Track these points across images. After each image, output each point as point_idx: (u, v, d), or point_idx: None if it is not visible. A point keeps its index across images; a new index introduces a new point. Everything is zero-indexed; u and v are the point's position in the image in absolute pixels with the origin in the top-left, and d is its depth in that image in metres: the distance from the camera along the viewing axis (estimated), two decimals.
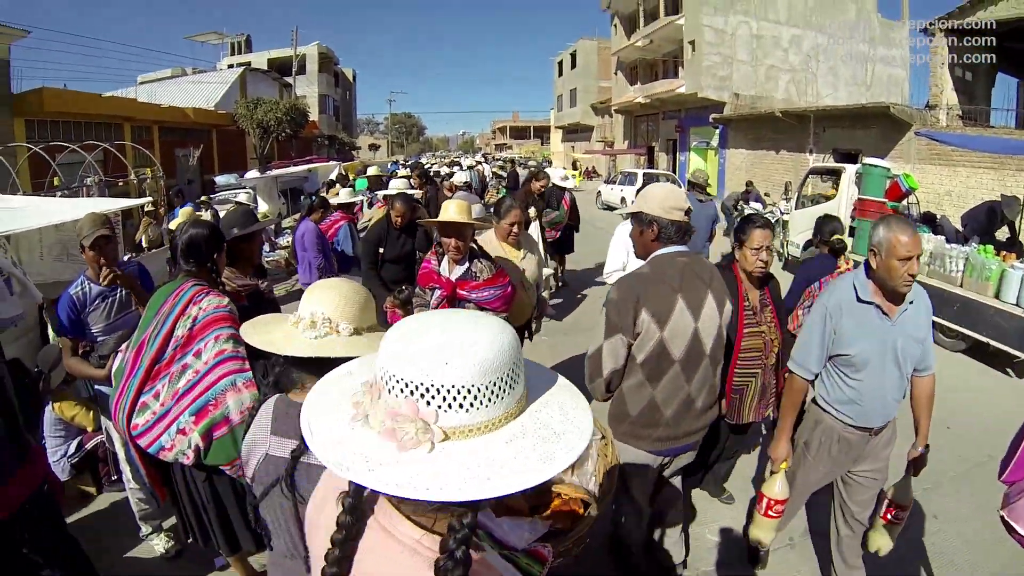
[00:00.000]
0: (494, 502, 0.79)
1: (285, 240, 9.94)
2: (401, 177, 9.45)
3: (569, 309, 7.42)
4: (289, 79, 31.93)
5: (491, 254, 3.25)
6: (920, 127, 13.07)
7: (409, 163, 21.89)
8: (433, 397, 0.68)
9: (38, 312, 4.11)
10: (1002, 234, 8.20)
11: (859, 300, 2.22)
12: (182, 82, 29.67)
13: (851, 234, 8.29)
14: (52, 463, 3.29)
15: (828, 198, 9.87)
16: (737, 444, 3.38)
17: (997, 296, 5.62)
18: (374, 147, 64.44)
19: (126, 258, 5.54)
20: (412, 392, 0.68)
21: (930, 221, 8.88)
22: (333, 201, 6.43)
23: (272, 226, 10.54)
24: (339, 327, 1.35)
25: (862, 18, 23.73)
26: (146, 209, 9.48)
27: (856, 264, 3.67)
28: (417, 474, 0.65)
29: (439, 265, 3.12)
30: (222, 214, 4.65)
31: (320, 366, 1.31)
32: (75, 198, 8.83)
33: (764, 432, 3.94)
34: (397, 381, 0.69)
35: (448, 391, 0.68)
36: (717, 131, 22.23)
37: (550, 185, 7.11)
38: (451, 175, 11.33)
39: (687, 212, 2.20)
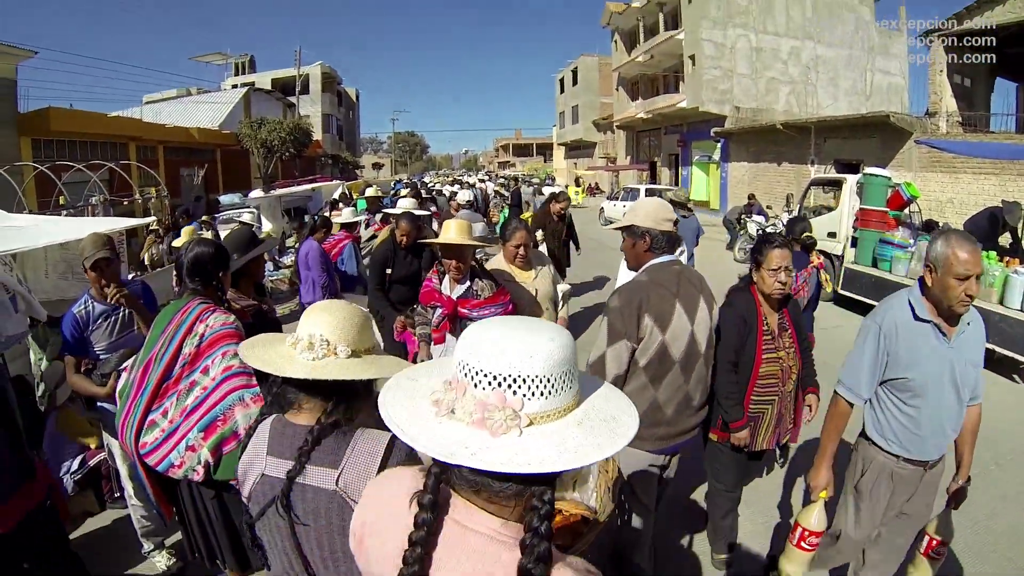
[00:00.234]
0: None
1: (289, 259, 9.97)
2: (405, 197, 9.52)
3: (574, 327, 7.37)
4: (292, 99, 32.29)
5: (505, 277, 3.27)
6: (920, 135, 13.12)
7: (409, 182, 22.04)
8: (520, 387, 0.78)
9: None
10: (1004, 240, 8.20)
11: (916, 318, 2.07)
12: (187, 102, 30.03)
13: (853, 244, 8.31)
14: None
15: (830, 209, 9.88)
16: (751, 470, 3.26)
17: (1001, 302, 5.61)
18: (378, 166, 64.84)
19: (130, 277, 5.59)
20: (500, 384, 0.78)
21: (932, 229, 8.87)
22: (336, 220, 6.44)
23: (275, 246, 10.59)
24: (337, 349, 1.35)
25: (860, 28, 23.93)
26: (150, 228, 9.57)
27: (825, 256, 3.70)
28: (516, 453, 0.74)
29: (441, 283, 3.14)
30: (223, 235, 4.68)
31: (318, 388, 1.32)
32: (80, 217, 8.92)
33: (778, 459, 3.86)
34: (485, 375, 0.78)
35: (532, 380, 0.78)
36: (719, 145, 22.31)
37: (569, 208, 6.89)
38: (455, 194, 11.41)
39: (675, 223, 2.34)
